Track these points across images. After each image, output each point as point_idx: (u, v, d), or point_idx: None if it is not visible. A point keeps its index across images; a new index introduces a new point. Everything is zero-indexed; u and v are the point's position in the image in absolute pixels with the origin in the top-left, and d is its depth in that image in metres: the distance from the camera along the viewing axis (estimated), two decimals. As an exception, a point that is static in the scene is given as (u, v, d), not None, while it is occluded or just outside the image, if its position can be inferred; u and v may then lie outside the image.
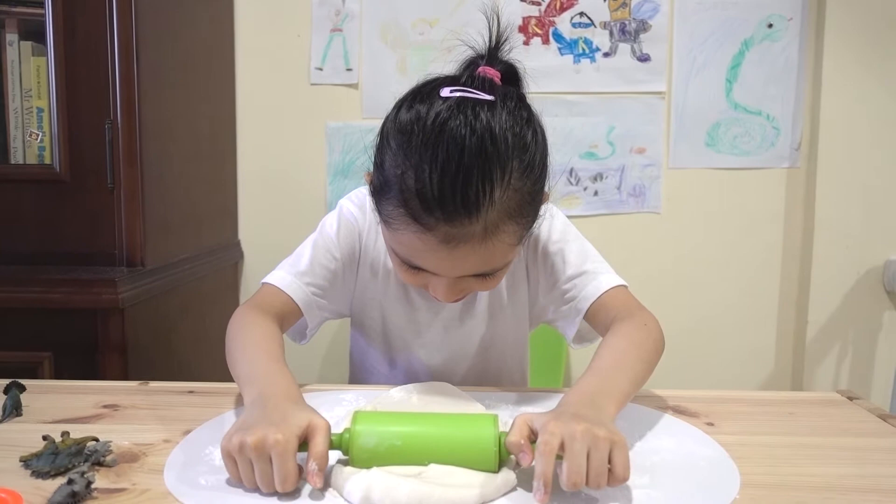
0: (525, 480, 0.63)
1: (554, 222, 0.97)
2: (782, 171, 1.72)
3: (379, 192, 0.78)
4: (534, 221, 0.80)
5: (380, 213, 0.79)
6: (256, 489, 0.61)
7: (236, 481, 0.62)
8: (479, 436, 0.64)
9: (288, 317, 0.91)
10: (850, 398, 0.90)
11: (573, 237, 0.98)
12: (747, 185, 1.73)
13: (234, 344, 0.82)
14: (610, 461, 0.59)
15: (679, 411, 0.84)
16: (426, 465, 0.63)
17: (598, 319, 0.91)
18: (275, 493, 0.61)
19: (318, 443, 0.61)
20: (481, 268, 0.79)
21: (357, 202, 1.01)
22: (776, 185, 1.73)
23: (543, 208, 0.82)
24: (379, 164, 0.79)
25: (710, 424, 0.79)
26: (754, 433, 0.77)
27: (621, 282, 0.94)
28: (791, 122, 1.70)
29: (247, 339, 0.82)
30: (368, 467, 0.62)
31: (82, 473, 0.61)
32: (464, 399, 0.80)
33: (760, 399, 0.91)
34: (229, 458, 0.62)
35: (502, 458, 0.63)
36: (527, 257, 0.99)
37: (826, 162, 1.67)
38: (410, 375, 1.03)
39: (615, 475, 0.59)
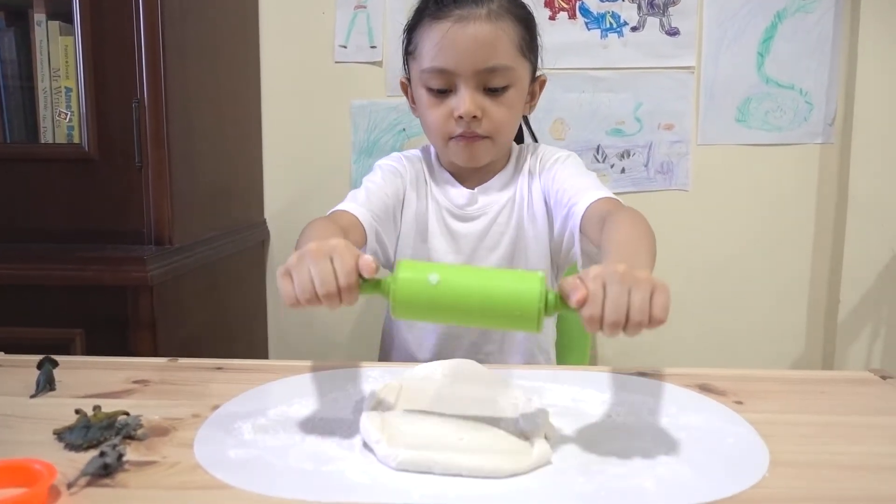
0: (558, 460, 0.63)
1: (568, 160, 1.10)
2: (815, 146, 1.68)
3: (408, 39, 1.04)
4: (533, 48, 1.03)
5: (410, 52, 1.04)
6: (315, 304, 0.62)
7: (290, 302, 0.63)
8: (523, 286, 0.61)
9: (352, 232, 0.96)
10: (883, 377, 0.88)
11: (578, 169, 1.08)
12: (779, 161, 1.69)
13: (299, 241, 0.86)
14: (650, 303, 0.59)
15: (707, 389, 0.83)
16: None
17: (590, 225, 0.94)
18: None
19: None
20: (490, 55, 0.97)
21: (394, 159, 1.13)
22: (809, 162, 1.69)
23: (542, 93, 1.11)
24: (406, 30, 1.05)
25: (739, 403, 0.78)
26: (784, 412, 0.76)
27: (610, 195, 0.97)
28: (825, 96, 1.66)
29: (310, 233, 0.87)
30: (407, 318, 0.63)
31: (114, 446, 0.62)
32: (489, 376, 0.80)
33: (790, 378, 0.90)
34: (286, 275, 0.63)
35: (548, 311, 0.61)
36: (544, 188, 1.08)
37: (861, 138, 1.62)
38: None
39: (653, 316, 0.58)
